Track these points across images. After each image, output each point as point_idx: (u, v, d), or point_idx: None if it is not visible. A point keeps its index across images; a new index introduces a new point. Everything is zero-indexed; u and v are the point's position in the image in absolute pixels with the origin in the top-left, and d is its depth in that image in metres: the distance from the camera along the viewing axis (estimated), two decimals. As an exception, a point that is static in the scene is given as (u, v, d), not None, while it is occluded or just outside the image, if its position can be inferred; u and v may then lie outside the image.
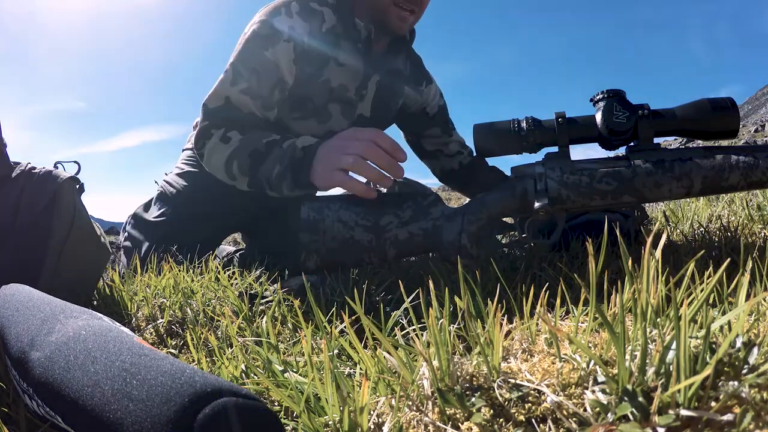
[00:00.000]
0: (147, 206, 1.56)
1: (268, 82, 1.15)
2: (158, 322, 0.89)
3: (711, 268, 0.72)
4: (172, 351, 0.77)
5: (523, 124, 0.81)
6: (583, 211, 1.90)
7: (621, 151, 0.83)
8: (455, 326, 0.52)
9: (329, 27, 1.22)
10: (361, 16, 1.26)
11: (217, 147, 1.08)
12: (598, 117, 0.77)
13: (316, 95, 1.24)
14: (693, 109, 0.76)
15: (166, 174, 1.58)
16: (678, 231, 1.35)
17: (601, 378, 0.39)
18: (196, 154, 1.17)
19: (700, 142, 0.98)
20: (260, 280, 0.97)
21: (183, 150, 1.63)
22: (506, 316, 0.50)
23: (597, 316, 0.46)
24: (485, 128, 0.83)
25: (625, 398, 0.36)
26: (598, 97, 0.78)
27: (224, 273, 1.00)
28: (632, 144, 0.79)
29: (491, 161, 1.45)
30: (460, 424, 0.40)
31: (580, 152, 0.87)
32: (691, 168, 0.75)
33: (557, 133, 0.80)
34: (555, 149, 0.82)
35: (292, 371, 0.55)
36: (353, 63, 1.27)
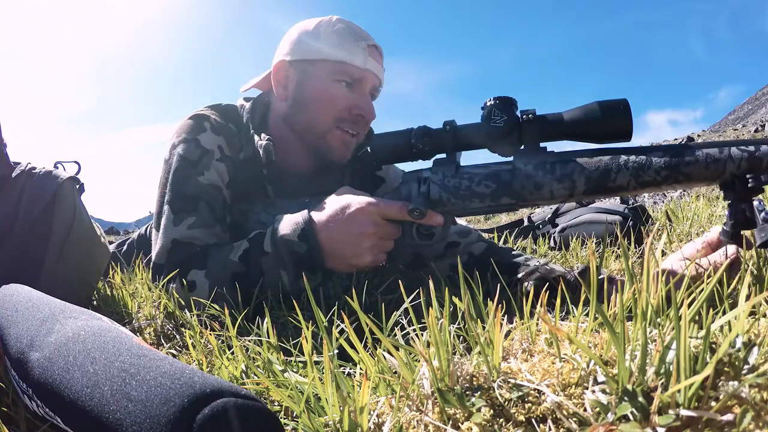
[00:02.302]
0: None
1: (216, 204, 1.02)
2: (157, 321, 0.89)
3: (711, 268, 0.72)
4: (172, 352, 0.77)
5: (413, 134, 0.84)
6: (583, 212, 1.90)
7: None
8: (455, 326, 0.52)
9: (247, 157, 1.10)
10: (285, 141, 1.11)
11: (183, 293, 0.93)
12: (481, 122, 0.81)
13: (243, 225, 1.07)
14: (581, 112, 0.76)
15: None
16: (678, 231, 1.35)
17: (601, 378, 0.39)
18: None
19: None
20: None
21: None
22: (506, 316, 0.49)
23: (597, 315, 0.45)
24: (381, 138, 0.88)
25: (625, 398, 0.36)
26: (486, 104, 0.80)
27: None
28: (521, 149, 0.81)
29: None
30: (460, 424, 0.40)
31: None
32: (573, 169, 0.75)
33: (443, 140, 0.83)
34: (444, 156, 0.86)
35: (292, 371, 0.55)
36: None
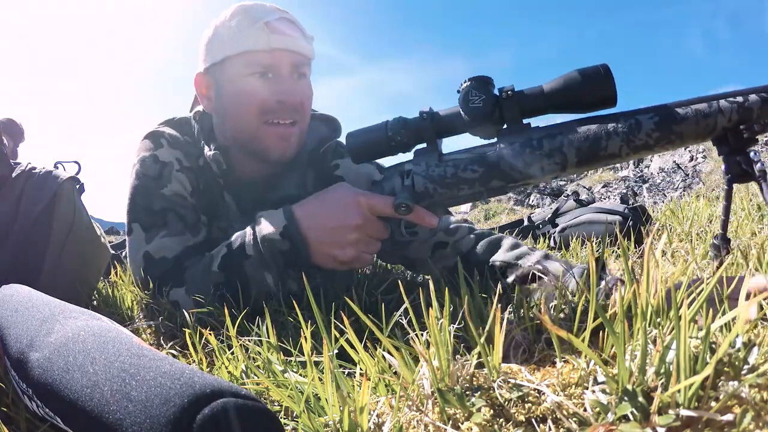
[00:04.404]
0: None
1: (185, 211, 1.01)
2: (157, 322, 0.89)
3: (711, 268, 0.72)
4: (172, 352, 0.77)
5: (389, 126, 0.80)
6: (583, 212, 1.90)
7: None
8: (455, 326, 0.52)
9: (205, 163, 1.08)
10: (230, 150, 1.08)
11: (175, 305, 0.92)
12: (458, 105, 0.76)
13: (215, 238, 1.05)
14: (561, 82, 0.71)
15: None
16: (678, 231, 1.35)
17: (601, 378, 0.39)
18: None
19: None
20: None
21: None
22: (506, 316, 0.49)
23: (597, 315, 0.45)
24: (356, 134, 0.82)
25: (625, 398, 0.36)
26: (461, 86, 0.75)
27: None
28: (503, 128, 0.76)
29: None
30: (460, 424, 0.40)
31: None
32: (562, 142, 0.72)
33: (422, 129, 0.79)
34: (425, 146, 0.81)
35: (292, 371, 0.55)
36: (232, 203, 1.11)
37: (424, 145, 0.81)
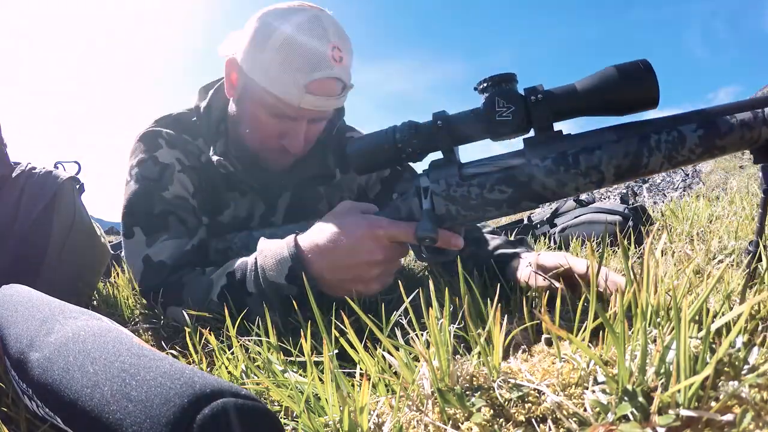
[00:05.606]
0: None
1: (186, 214, 0.99)
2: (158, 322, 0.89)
3: (711, 268, 0.72)
4: (173, 352, 0.77)
5: (398, 134, 0.70)
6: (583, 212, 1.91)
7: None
8: (455, 326, 0.52)
9: (209, 160, 1.07)
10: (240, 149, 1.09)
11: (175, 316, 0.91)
12: (481, 114, 0.66)
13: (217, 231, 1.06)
14: (597, 81, 0.63)
15: None
16: (678, 231, 1.35)
17: (601, 378, 0.39)
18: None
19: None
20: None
21: None
22: (506, 316, 0.49)
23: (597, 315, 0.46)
24: (358, 143, 0.73)
25: (625, 398, 0.36)
26: (482, 86, 0.66)
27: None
28: (531, 135, 0.67)
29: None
30: (460, 424, 0.40)
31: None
32: (601, 158, 0.64)
33: (437, 138, 0.69)
34: (440, 156, 0.72)
35: (292, 371, 0.55)
36: (245, 194, 1.11)
37: (439, 153, 0.72)
